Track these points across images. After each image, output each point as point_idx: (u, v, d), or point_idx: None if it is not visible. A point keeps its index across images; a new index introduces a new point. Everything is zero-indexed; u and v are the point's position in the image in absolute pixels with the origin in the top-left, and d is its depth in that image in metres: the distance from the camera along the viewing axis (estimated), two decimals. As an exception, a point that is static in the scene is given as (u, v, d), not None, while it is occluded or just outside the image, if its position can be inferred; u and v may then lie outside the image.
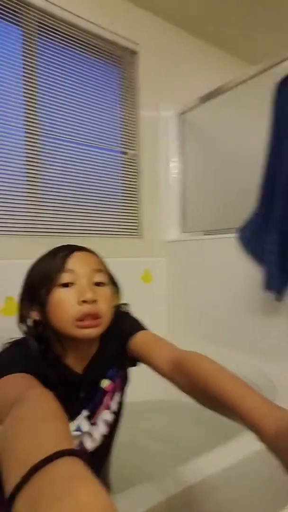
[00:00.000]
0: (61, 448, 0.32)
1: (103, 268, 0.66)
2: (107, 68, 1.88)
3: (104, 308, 0.61)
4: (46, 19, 1.64)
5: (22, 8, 1.58)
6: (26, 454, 0.32)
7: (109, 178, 1.87)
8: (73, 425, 0.62)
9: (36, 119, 1.61)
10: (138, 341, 0.67)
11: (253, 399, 0.45)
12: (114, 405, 0.69)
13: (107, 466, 0.74)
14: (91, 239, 1.77)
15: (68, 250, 0.63)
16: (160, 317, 1.97)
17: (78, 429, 0.62)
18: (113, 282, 0.70)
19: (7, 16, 1.54)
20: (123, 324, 0.71)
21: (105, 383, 0.67)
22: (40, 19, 1.63)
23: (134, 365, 0.73)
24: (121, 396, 0.72)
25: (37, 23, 1.62)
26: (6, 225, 1.51)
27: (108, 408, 0.67)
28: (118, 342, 0.69)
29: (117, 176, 1.91)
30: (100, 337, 0.66)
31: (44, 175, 1.63)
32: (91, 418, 0.64)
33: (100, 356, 0.67)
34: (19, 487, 0.29)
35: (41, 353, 0.60)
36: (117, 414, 0.70)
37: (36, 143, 1.61)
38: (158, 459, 1.18)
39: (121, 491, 0.63)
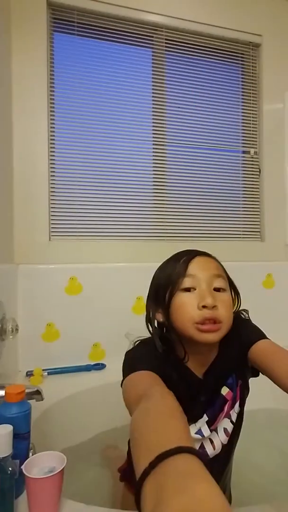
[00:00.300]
0: (183, 444, 0.34)
1: (223, 274, 0.67)
2: (228, 67, 1.87)
3: (224, 314, 0.61)
4: (171, 34, 1.74)
5: (153, 31, 1.72)
6: (153, 444, 0.35)
7: (230, 180, 1.85)
8: (194, 428, 0.64)
9: (163, 131, 1.74)
10: (258, 350, 0.65)
11: None
12: (233, 415, 0.68)
13: (227, 475, 0.73)
14: (211, 242, 1.78)
15: (190, 255, 0.66)
16: (284, 326, 1.82)
17: (199, 432, 0.64)
18: (232, 288, 0.70)
19: (140, 41, 1.71)
20: (243, 332, 0.69)
21: (225, 391, 0.67)
22: (167, 36, 1.74)
23: (256, 375, 0.70)
24: (241, 406, 0.71)
25: (164, 40, 1.74)
26: (136, 231, 1.68)
27: (228, 416, 0.67)
28: (238, 350, 0.68)
29: (238, 177, 1.86)
30: (220, 343, 0.66)
31: (169, 183, 1.74)
32: (211, 424, 0.66)
33: (220, 362, 0.68)
34: (147, 472, 0.32)
35: (165, 353, 0.64)
36: (237, 424, 0.70)
37: (163, 153, 1.73)
38: (279, 476, 1.10)
39: (239, 506, 0.62)
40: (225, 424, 0.67)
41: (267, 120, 1.87)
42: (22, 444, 0.69)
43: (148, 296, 0.71)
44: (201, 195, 1.79)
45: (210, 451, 0.64)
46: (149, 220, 1.70)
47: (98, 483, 1.05)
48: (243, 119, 1.88)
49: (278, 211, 1.88)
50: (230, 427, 0.67)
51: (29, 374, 1.36)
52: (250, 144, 1.88)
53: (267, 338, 0.69)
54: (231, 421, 0.68)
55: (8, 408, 0.70)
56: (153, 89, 1.73)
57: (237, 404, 0.69)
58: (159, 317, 0.67)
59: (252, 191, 1.88)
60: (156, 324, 0.68)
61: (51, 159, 1.56)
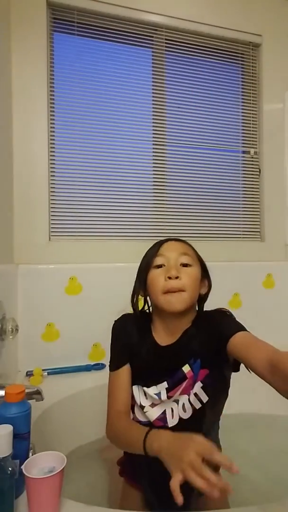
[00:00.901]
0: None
1: (189, 253, 0.79)
2: (228, 67, 1.87)
3: (186, 283, 0.74)
4: (171, 34, 1.74)
5: (153, 31, 1.72)
6: (134, 435, 0.69)
7: (230, 180, 1.85)
8: (155, 389, 0.77)
9: (163, 131, 1.74)
10: (237, 341, 0.68)
11: None
12: (192, 395, 0.75)
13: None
14: (211, 242, 1.78)
15: (164, 240, 0.81)
16: (284, 326, 1.82)
17: (158, 395, 0.77)
18: (203, 269, 0.81)
19: (140, 41, 1.71)
20: (225, 324, 0.74)
21: (187, 369, 0.76)
22: (167, 36, 1.74)
23: (236, 370, 0.74)
24: (208, 395, 0.75)
25: (164, 40, 1.74)
26: (136, 231, 1.68)
27: (188, 394, 0.75)
28: (212, 339, 0.72)
29: (238, 177, 1.86)
30: (192, 322, 0.79)
31: (169, 183, 1.74)
32: (169, 391, 0.76)
33: (185, 340, 0.78)
34: (145, 438, 0.65)
35: (139, 323, 0.82)
36: (200, 411, 0.75)
37: (163, 153, 1.73)
38: (280, 476, 1.10)
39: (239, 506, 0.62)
40: (184, 400, 0.75)
41: (267, 120, 1.87)
42: (22, 444, 0.69)
43: (136, 278, 0.85)
44: (201, 195, 1.79)
45: (169, 419, 0.75)
46: (149, 220, 1.70)
47: (98, 483, 1.05)
48: (243, 119, 1.88)
49: (278, 211, 1.88)
50: (188, 407, 0.75)
51: (29, 374, 1.36)
52: (250, 144, 1.88)
53: (247, 331, 0.72)
54: (190, 403, 0.75)
55: (8, 408, 0.70)
56: (153, 89, 1.73)
57: (197, 386, 0.75)
58: (141, 293, 0.82)
59: (252, 191, 1.88)
60: (136, 299, 0.83)
61: (51, 160, 1.56)
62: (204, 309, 0.86)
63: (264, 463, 1.17)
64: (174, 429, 0.74)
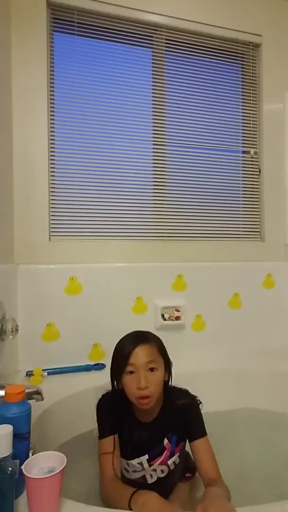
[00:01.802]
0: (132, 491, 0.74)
1: (155, 358, 0.89)
2: (228, 67, 1.87)
3: (153, 390, 0.86)
4: (171, 34, 1.74)
5: (153, 31, 1.72)
6: (119, 497, 0.76)
7: (230, 180, 1.85)
8: (137, 460, 0.91)
9: (163, 131, 1.74)
10: (198, 446, 0.90)
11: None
12: (170, 464, 0.93)
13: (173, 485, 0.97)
14: (211, 242, 1.78)
15: (132, 345, 0.89)
16: (284, 326, 1.82)
17: (141, 464, 0.92)
18: (164, 360, 0.93)
19: (140, 41, 1.71)
20: (193, 424, 0.93)
21: (165, 442, 0.93)
22: (167, 36, 1.74)
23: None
24: (179, 459, 0.95)
25: (164, 40, 1.74)
26: (136, 231, 1.68)
27: (166, 464, 0.92)
28: (186, 431, 0.93)
29: (238, 177, 1.86)
30: (164, 401, 0.95)
31: (169, 183, 1.74)
32: (150, 461, 0.92)
33: (162, 418, 0.93)
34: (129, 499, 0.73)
35: (120, 404, 0.93)
36: (173, 469, 0.94)
37: (163, 153, 1.73)
38: (280, 476, 1.10)
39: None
40: (163, 468, 0.92)
41: (267, 120, 1.87)
42: (22, 444, 0.69)
43: (111, 366, 0.95)
44: (201, 195, 1.79)
45: (149, 479, 0.92)
46: (149, 220, 1.71)
47: (98, 483, 1.05)
48: (243, 119, 1.88)
49: (278, 211, 1.88)
50: (166, 471, 0.93)
51: (29, 374, 1.36)
52: (250, 144, 1.88)
53: (206, 434, 0.92)
54: (168, 468, 0.92)
55: (8, 408, 0.70)
56: (153, 89, 1.73)
57: (176, 456, 0.93)
58: (116, 382, 0.94)
59: (252, 191, 1.88)
60: (115, 385, 0.94)
61: (51, 159, 1.56)
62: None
63: (264, 463, 1.17)
64: (153, 484, 0.91)
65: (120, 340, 0.95)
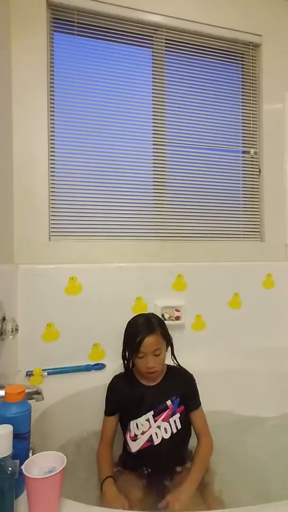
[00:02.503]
0: (108, 474, 1.02)
1: (160, 345, 1.10)
2: (228, 67, 1.87)
3: (158, 367, 1.10)
4: (171, 34, 1.74)
5: (153, 31, 1.72)
6: (102, 471, 1.05)
7: (230, 180, 1.85)
8: (145, 417, 1.09)
9: (163, 131, 1.74)
10: (195, 414, 1.15)
11: (191, 475, 1.00)
12: (171, 423, 1.09)
13: (181, 453, 1.13)
14: (211, 242, 1.78)
15: (142, 335, 1.09)
16: (284, 326, 1.82)
17: (148, 420, 1.09)
18: (166, 339, 1.15)
19: (140, 41, 1.71)
20: (194, 394, 1.17)
21: (169, 403, 1.12)
22: (167, 36, 1.74)
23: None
24: (180, 423, 1.10)
25: (164, 40, 1.74)
26: (136, 231, 1.68)
27: (168, 422, 1.09)
28: (188, 397, 1.15)
29: (238, 177, 1.86)
30: (167, 371, 1.18)
31: (169, 183, 1.74)
32: (155, 417, 1.10)
33: (164, 384, 1.15)
34: (103, 481, 1.00)
35: (128, 373, 1.19)
36: (177, 434, 1.09)
37: (163, 153, 1.73)
38: (280, 476, 1.10)
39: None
40: (165, 425, 1.09)
41: (267, 120, 1.87)
42: (22, 444, 0.69)
43: (123, 345, 1.17)
44: (201, 195, 1.79)
45: (155, 439, 1.07)
46: (149, 220, 1.71)
47: (97, 483, 1.05)
48: (243, 119, 1.88)
49: (278, 211, 1.88)
50: (168, 429, 1.08)
51: (29, 374, 1.36)
52: (250, 144, 1.88)
53: (200, 404, 1.17)
54: (171, 427, 1.09)
55: (8, 408, 0.70)
56: (153, 89, 1.73)
57: (176, 416, 1.10)
58: (127, 359, 1.18)
59: (252, 191, 1.88)
60: (126, 361, 1.19)
61: (51, 159, 1.56)
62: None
63: (264, 463, 1.17)
64: (158, 445, 1.06)
65: (132, 325, 1.16)
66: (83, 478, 1.07)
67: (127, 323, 1.18)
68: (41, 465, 0.65)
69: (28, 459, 0.65)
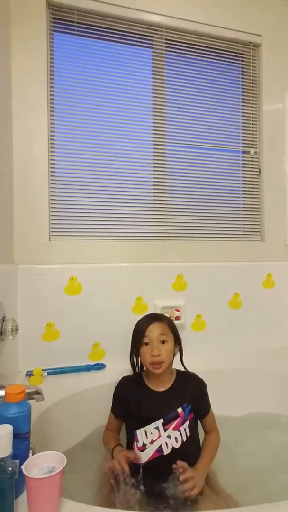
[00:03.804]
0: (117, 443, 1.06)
1: (166, 332, 1.09)
2: (228, 67, 1.87)
3: (164, 357, 1.05)
4: (171, 34, 1.74)
5: (153, 31, 1.72)
6: (110, 443, 1.08)
7: (230, 180, 1.85)
8: (154, 425, 1.04)
9: (163, 131, 1.74)
10: (207, 419, 1.13)
11: (204, 458, 1.03)
12: (183, 432, 1.04)
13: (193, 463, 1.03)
14: (211, 242, 1.78)
15: (147, 323, 1.09)
16: (284, 326, 1.82)
17: (157, 428, 1.03)
18: (174, 335, 1.12)
19: (140, 41, 1.71)
20: (204, 401, 1.13)
21: (180, 410, 1.06)
22: (167, 36, 1.74)
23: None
24: (190, 431, 1.06)
25: (164, 40, 1.74)
26: (136, 231, 1.68)
27: (179, 430, 1.04)
28: (199, 404, 1.11)
29: (238, 177, 1.86)
30: (177, 375, 1.13)
31: (169, 183, 1.75)
32: (165, 425, 1.04)
33: (175, 389, 1.10)
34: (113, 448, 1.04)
35: (136, 375, 1.14)
36: (186, 442, 1.04)
37: (163, 153, 1.74)
38: (279, 476, 1.10)
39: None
40: (176, 435, 1.03)
41: (267, 120, 1.87)
42: (22, 444, 0.69)
43: (131, 344, 1.12)
44: (201, 195, 1.79)
45: (165, 450, 1.02)
46: (149, 220, 1.71)
47: (98, 483, 1.05)
48: (243, 119, 1.88)
49: (278, 211, 1.88)
50: (179, 439, 1.03)
51: (29, 374, 1.36)
52: (250, 144, 1.88)
53: (210, 407, 1.14)
54: (181, 436, 1.03)
55: (8, 408, 0.70)
56: (153, 89, 1.73)
57: (186, 424, 1.05)
58: (135, 356, 1.13)
59: (252, 191, 1.88)
60: (134, 359, 1.13)
61: (51, 159, 1.56)
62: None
63: (265, 462, 1.17)
64: (168, 456, 1.01)
65: (138, 321, 1.14)
66: (84, 478, 1.07)
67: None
68: (41, 465, 0.65)
69: (28, 459, 0.65)
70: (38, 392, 0.89)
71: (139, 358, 1.12)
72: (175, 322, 1.57)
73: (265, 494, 1.02)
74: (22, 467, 0.62)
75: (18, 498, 0.66)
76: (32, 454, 0.68)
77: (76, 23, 1.60)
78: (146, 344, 1.07)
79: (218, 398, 1.25)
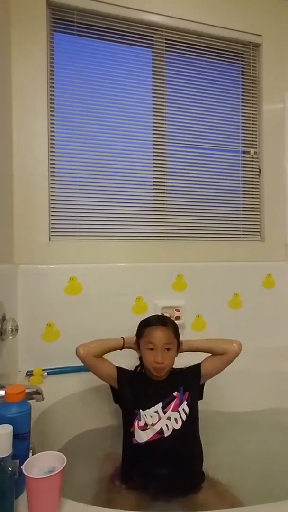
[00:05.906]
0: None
1: (170, 340, 1.10)
2: (228, 67, 1.87)
3: (168, 365, 1.09)
4: (171, 34, 1.74)
5: (153, 31, 1.72)
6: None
7: (230, 180, 1.85)
8: (154, 409, 1.06)
9: (163, 131, 1.74)
10: (204, 361, 1.17)
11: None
12: (181, 412, 1.07)
13: (187, 454, 1.07)
14: (211, 242, 1.78)
15: (155, 323, 1.11)
16: (284, 326, 1.82)
17: (157, 412, 1.06)
18: (177, 338, 1.14)
19: (140, 41, 1.71)
20: (194, 366, 1.16)
21: (176, 393, 1.09)
22: (167, 36, 1.74)
23: (201, 398, 1.16)
24: (190, 409, 1.08)
25: (164, 40, 1.74)
26: (136, 231, 1.68)
27: (177, 411, 1.07)
28: (194, 372, 1.15)
29: (238, 177, 1.86)
30: (173, 369, 1.14)
31: (169, 183, 1.75)
32: (164, 409, 1.07)
33: (170, 378, 1.12)
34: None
35: (140, 369, 1.19)
36: (187, 421, 1.06)
37: (163, 153, 1.74)
38: (279, 476, 1.10)
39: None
40: (176, 416, 1.06)
41: (267, 120, 1.87)
42: (22, 444, 0.69)
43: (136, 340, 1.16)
44: (201, 195, 1.79)
45: (165, 431, 1.03)
46: (149, 220, 1.71)
47: (97, 483, 1.05)
48: (243, 119, 1.88)
49: (278, 211, 1.88)
50: (179, 419, 1.05)
51: (29, 374, 1.36)
52: (250, 144, 1.88)
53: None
54: (181, 416, 1.06)
55: (8, 408, 0.70)
56: (153, 89, 1.73)
57: (184, 404, 1.08)
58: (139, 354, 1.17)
59: (252, 191, 1.88)
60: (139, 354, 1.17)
61: (51, 159, 1.56)
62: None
63: (264, 462, 1.17)
64: (169, 437, 1.02)
65: (144, 321, 1.15)
66: (83, 478, 1.07)
67: None
68: (41, 465, 0.65)
69: (28, 459, 0.65)
70: (38, 392, 0.89)
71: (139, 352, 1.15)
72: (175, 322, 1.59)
73: (265, 494, 1.02)
74: (22, 467, 0.62)
75: (18, 498, 0.66)
76: (32, 454, 0.68)
77: (76, 23, 1.60)
78: (151, 349, 1.08)
79: (218, 398, 1.25)
